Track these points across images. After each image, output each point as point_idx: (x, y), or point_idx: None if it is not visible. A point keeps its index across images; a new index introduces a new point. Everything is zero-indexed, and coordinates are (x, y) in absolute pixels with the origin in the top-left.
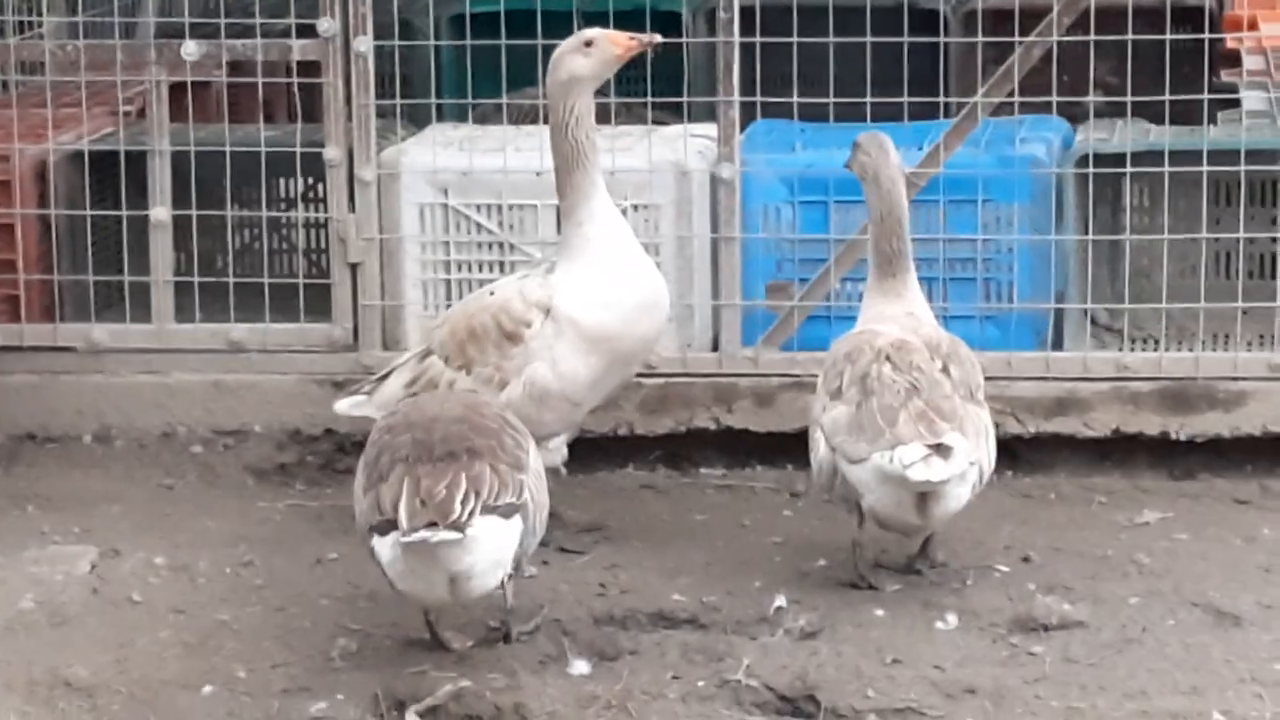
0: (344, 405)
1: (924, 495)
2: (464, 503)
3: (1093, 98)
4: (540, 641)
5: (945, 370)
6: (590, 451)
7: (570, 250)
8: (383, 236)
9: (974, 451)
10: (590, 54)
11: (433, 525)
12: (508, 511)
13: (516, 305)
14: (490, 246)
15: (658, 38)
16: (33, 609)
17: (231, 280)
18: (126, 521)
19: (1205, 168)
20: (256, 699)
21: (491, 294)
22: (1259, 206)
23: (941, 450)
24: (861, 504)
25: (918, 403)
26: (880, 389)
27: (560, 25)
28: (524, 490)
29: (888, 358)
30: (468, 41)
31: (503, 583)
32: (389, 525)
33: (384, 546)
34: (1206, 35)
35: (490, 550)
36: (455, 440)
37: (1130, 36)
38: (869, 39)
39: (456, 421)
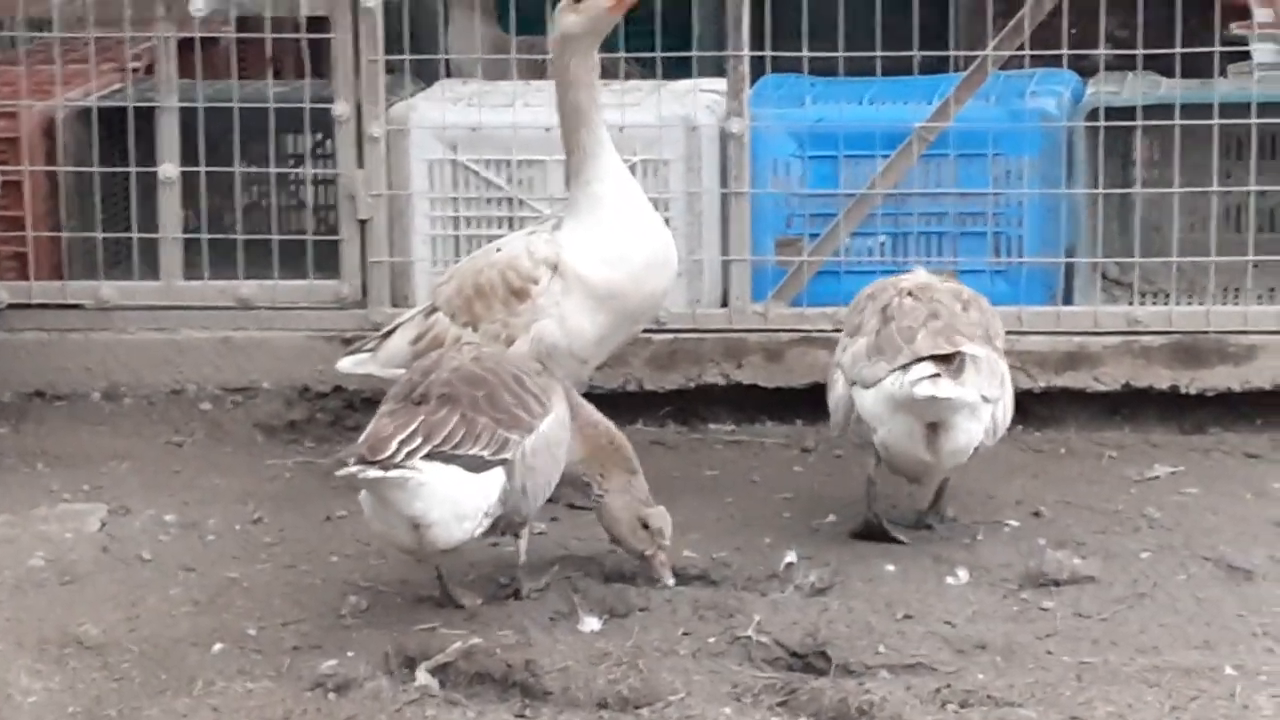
0: (347, 363)
1: (934, 426)
2: (404, 444)
3: (1103, 51)
4: (551, 598)
5: (965, 310)
6: (600, 407)
7: (578, 208)
8: (391, 193)
9: (987, 387)
10: (581, 10)
11: (363, 460)
12: (475, 464)
13: (524, 262)
14: (499, 202)
15: None
16: (43, 567)
17: (240, 237)
18: (136, 479)
19: (1216, 121)
20: (267, 656)
21: (498, 250)
22: (1270, 159)
23: (954, 365)
24: (875, 440)
25: (937, 323)
26: (900, 315)
27: None
28: (507, 447)
29: (909, 293)
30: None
31: (474, 535)
32: None
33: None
34: None
35: (444, 499)
36: (438, 386)
37: None
38: None
39: (453, 370)
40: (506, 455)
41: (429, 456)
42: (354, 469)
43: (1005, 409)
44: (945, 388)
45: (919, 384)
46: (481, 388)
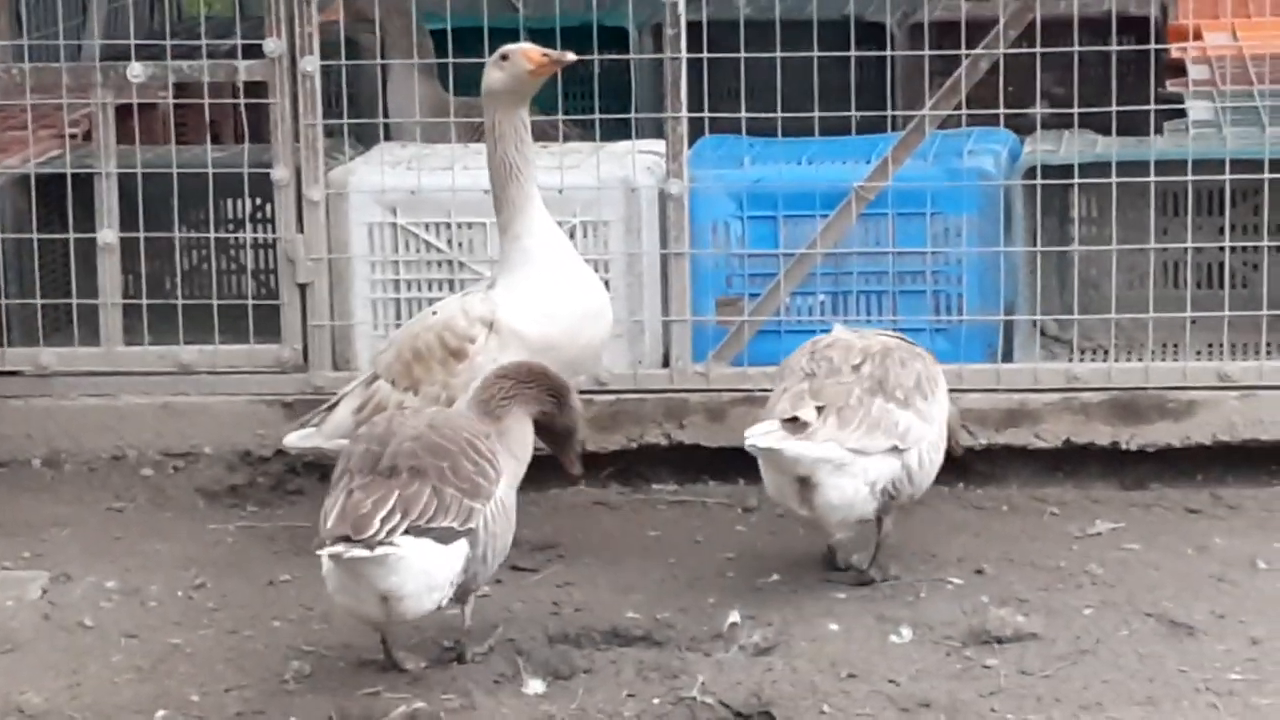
0: (293, 438)
1: (804, 481)
2: (385, 521)
3: (1039, 109)
4: (495, 661)
5: (856, 367)
6: (542, 469)
7: (509, 264)
8: (331, 256)
9: (862, 440)
10: (505, 68)
11: (347, 539)
12: (445, 536)
13: (460, 322)
14: (439, 265)
15: (570, 56)
16: None
17: (180, 302)
18: (77, 545)
19: (1152, 178)
20: None
21: (434, 313)
22: (1206, 216)
23: (795, 425)
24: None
25: (802, 386)
26: (787, 375)
27: (508, 42)
28: (472, 517)
29: (811, 352)
30: (414, 60)
31: (440, 605)
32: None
33: (324, 558)
34: (1152, 46)
35: (419, 573)
36: (403, 456)
37: (1076, 48)
38: (816, 53)
39: (413, 439)
40: (472, 525)
41: (405, 531)
42: (339, 549)
43: (922, 458)
44: (775, 439)
45: (754, 438)
46: (445, 458)
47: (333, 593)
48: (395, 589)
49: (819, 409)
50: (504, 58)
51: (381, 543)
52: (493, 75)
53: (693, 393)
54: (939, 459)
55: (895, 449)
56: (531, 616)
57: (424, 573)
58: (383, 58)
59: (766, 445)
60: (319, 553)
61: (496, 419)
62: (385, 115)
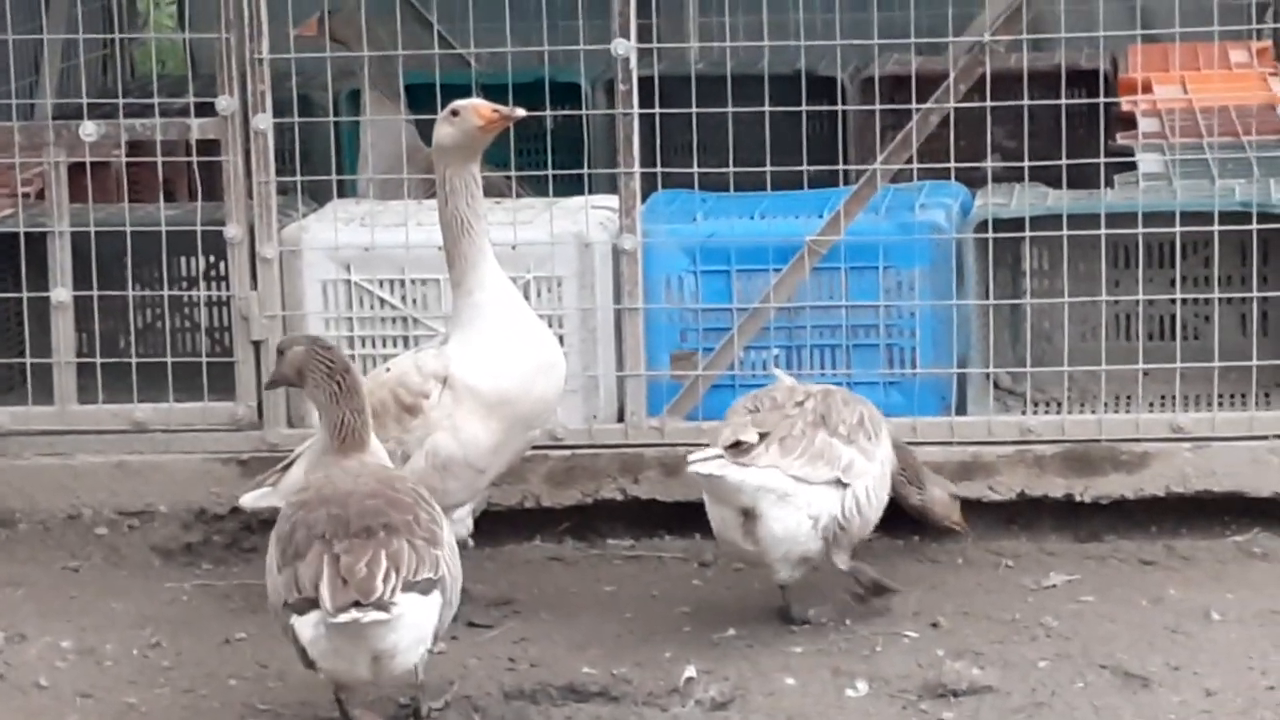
0: (249, 499)
1: (747, 513)
2: (385, 580)
3: (990, 163)
4: (450, 717)
5: (800, 403)
6: (497, 524)
7: (461, 319)
8: (285, 314)
9: (805, 469)
10: (455, 123)
11: (357, 604)
12: (426, 588)
13: (413, 378)
14: (394, 321)
15: (520, 112)
16: None
17: (134, 360)
18: (32, 605)
19: (1103, 231)
20: None
21: (388, 370)
22: (1157, 268)
23: (737, 450)
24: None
25: (744, 418)
26: (730, 415)
27: (461, 98)
28: (440, 565)
29: (755, 395)
30: (366, 117)
31: (424, 657)
32: (309, 604)
33: (305, 626)
34: (1102, 99)
35: (413, 627)
36: (371, 516)
37: (1026, 102)
38: (768, 108)
39: (371, 497)
40: (441, 573)
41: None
42: (356, 614)
43: (869, 494)
44: (714, 466)
45: (696, 464)
46: (408, 512)
47: (319, 657)
48: (393, 646)
49: (762, 435)
50: (454, 113)
51: (390, 603)
52: (443, 131)
53: (648, 447)
54: (883, 499)
55: (838, 482)
56: (487, 673)
57: (416, 626)
58: (357, 111)
59: (708, 472)
60: (332, 621)
61: (363, 447)
62: (339, 171)
